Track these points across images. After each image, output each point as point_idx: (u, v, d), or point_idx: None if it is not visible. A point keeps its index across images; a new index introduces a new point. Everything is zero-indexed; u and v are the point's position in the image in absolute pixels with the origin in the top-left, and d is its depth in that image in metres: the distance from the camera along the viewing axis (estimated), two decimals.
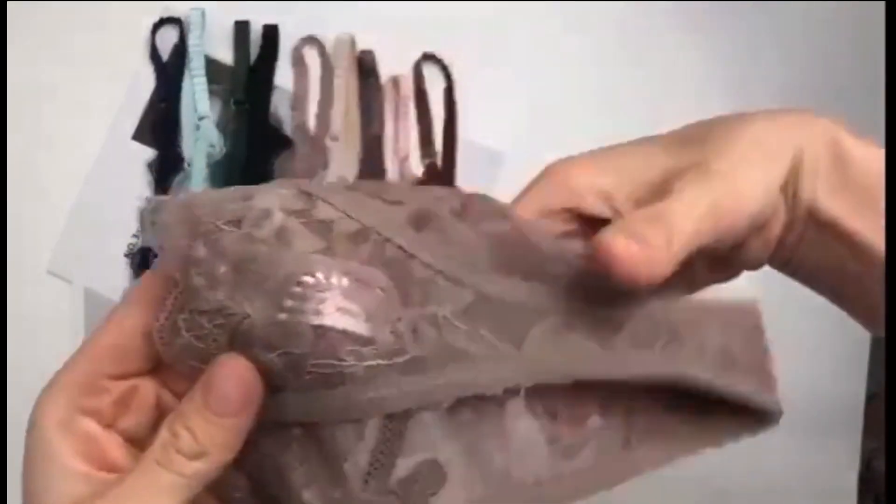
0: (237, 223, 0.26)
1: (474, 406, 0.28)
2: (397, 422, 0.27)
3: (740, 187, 0.30)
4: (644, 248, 0.28)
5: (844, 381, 0.70)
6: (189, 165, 0.63)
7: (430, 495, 0.27)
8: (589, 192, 0.32)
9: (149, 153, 0.63)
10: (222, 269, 0.26)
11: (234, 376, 0.26)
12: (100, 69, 0.64)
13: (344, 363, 0.25)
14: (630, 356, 0.30)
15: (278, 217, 0.26)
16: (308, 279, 0.25)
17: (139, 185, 0.63)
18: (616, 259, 0.28)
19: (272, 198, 0.26)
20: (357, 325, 0.25)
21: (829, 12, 0.69)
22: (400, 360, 0.26)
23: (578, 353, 0.29)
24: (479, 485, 0.28)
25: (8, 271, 0.61)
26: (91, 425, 0.29)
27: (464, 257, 0.28)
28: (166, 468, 0.27)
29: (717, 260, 0.33)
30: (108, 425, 0.30)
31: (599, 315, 0.30)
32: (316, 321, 0.25)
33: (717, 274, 0.35)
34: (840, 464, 0.69)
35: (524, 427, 0.29)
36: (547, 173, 0.32)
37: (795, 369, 0.70)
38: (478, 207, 0.29)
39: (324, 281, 0.25)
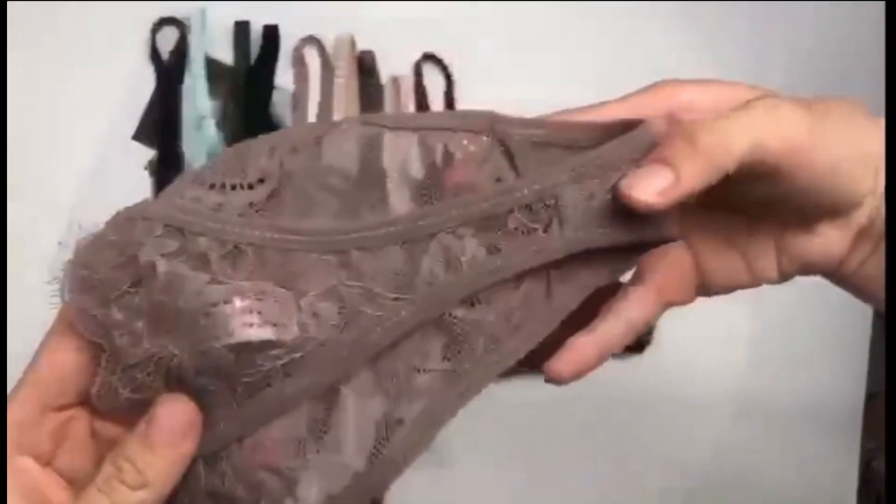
0: (137, 283, 0.30)
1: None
2: (323, 401, 0.31)
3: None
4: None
5: (844, 382, 0.70)
6: (189, 165, 0.63)
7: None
8: (689, 108, 0.33)
9: (149, 153, 0.63)
10: (140, 324, 0.29)
11: (177, 409, 0.29)
12: (100, 69, 0.64)
13: (263, 368, 0.29)
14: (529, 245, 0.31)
15: (162, 266, 0.30)
16: (211, 309, 0.29)
17: (139, 185, 0.63)
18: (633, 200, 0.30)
19: (150, 249, 0.30)
20: (264, 333, 0.29)
21: (829, 12, 0.69)
22: (311, 346, 0.30)
23: (472, 268, 0.31)
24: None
25: (8, 271, 0.61)
26: (30, 464, 0.30)
27: (319, 215, 0.31)
28: (109, 496, 0.29)
29: (792, 239, 0.34)
30: (47, 463, 0.31)
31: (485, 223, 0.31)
32: (231, 342, 0.29)
33: (793, 259, 0.35)
34: (840, 464, 0.69)
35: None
36: (654, 87, 0.35)
37: (796, 370, 0.70)
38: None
39: (224, 306, 0.29)
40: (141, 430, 0.29)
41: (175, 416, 0.29)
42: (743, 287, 0.36)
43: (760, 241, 0.35)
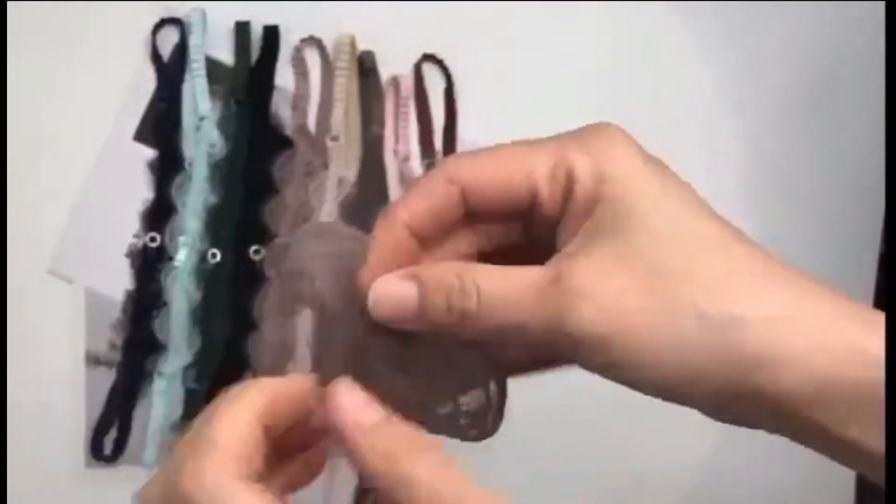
0: None
1: None
2: None
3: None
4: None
5: None
6: (189, 165, 0.63)
7: None
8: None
9: (149, 153, 0.63)
10: None
11: None
12: (100, 69, 0.64)
13: None
14: None
15: None
16: None
17: (139, 185, 0.63)
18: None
19: None
20: None
21: (829, 12, 0.69)
22: None
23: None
24: None
25: (8, 271, 0.61)
26: None
27: None
28: None
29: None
30: None
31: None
32: None
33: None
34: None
35: None
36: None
37: None
38: None
39: None
40: None
41: None
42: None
43: None
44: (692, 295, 0.27)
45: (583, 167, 0.29)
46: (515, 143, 0.31)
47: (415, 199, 0.31)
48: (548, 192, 0.30)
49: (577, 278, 0.28)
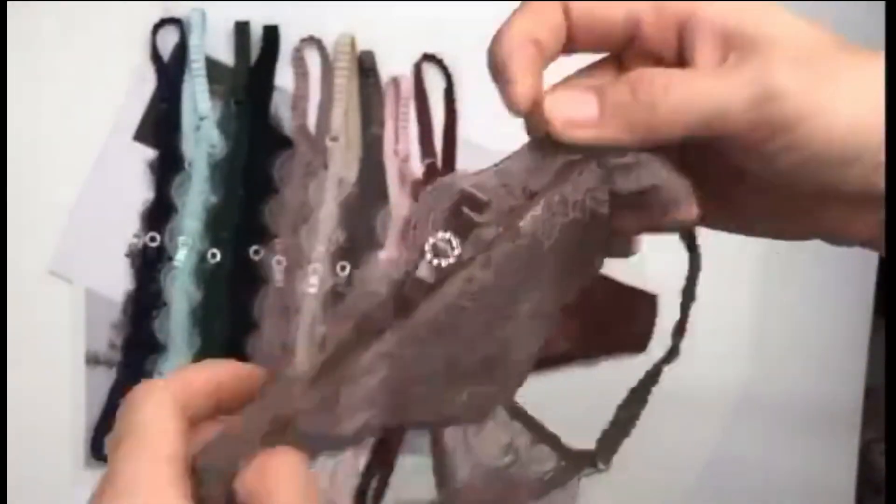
0: None
1: None
2: None
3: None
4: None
5: (843, 380, 0.70)
6: (189, 166, 0.63)
7: None
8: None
9: (149, 153, 0.63)
10: None
11: None
12: (100, 69, 0.64)
13: None
14: None
15: None
16: None
17: (139, 185, 0.63)
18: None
19: None
20: None
21: (829, 12, 0.69)
22: None
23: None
24: None
25: (8, 271, 0.61)
26: None
27: None
28: None
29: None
30: None
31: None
32: None
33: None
34: (840, 457, 0.69)
35: None
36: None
37: (794, 366, 0.70)
38: None
39: None
40: None
41: None
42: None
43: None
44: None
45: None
46: None
47: (528, 19, 0.31)
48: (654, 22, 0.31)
49: (762, 62, 0.29)
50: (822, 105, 0.28)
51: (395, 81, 0.66)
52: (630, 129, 0.29)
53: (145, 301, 0.62)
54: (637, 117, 0.29)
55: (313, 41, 0.65)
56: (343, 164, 0.64)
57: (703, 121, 0.29)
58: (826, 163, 0.29)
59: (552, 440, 0.35)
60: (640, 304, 0.61)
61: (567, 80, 0.33)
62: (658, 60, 0.31)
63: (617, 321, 0.62)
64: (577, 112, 0.30)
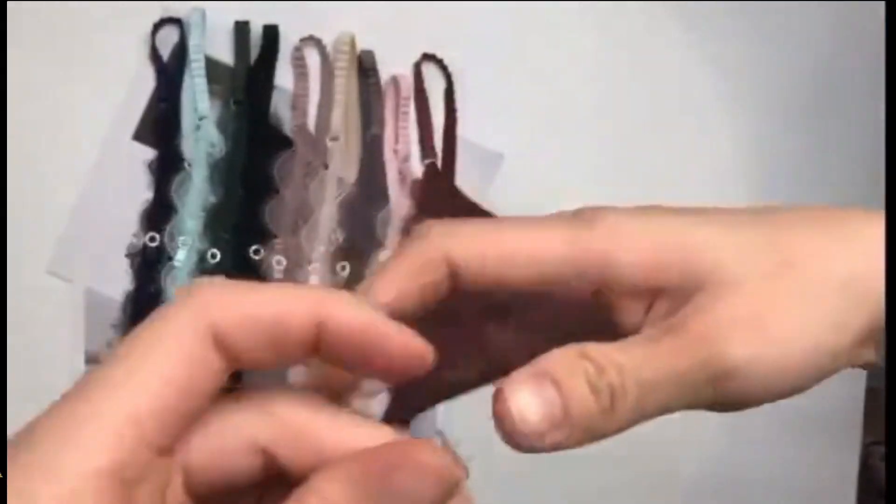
0: None
1: None
2: None
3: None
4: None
5: (843, 379, 0.70)
6: (189, 165, 0.63)
7: None
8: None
9: (149, 153, 0.63)
10: None
11: None
12: (100, 69, 0.64)
13: None
14: None
15: None
16: None
17: (139, 185, 0.63)
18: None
19: None
20: None
21: (829, 12, 0.69)
22: None
23: None
24: None
25: (8, 271, 0.61)
26: None
27: None
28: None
29: None
30: None
31: None
32: None
33: None
34: (840, 460, 0.69)
35: None
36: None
37: None
38: None
39: None
40: None
41: None
42: None
43: None
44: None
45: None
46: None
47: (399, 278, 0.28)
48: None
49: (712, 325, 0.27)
50: (775, 363, 0.29)
51: (395, 81, 0.66)
52: (590, 435, 0.27)
53: (145, 301, 0.61)
54: (598, 426, 0.27)
55: (313, 41, 0.65)
56: (343, 164, 0.64)
57: (664, 411, 0.28)
58: (787, 392, 0.30)
59: None
60: None
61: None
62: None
63: None
64: (543, 422, 0.26)
